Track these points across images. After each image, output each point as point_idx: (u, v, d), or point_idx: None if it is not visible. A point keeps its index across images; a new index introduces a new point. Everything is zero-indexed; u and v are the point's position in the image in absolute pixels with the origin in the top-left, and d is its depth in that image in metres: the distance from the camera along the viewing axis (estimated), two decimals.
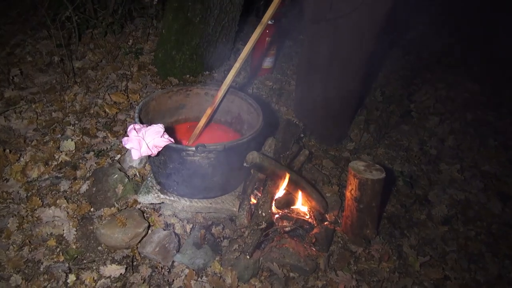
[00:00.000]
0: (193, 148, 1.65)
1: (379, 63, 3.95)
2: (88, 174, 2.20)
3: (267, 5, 4.10)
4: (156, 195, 1.94)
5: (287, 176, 1.86)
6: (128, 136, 1.65)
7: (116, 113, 2.68)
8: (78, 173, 2.21)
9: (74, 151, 2.35)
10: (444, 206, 2.36)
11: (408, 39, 4.58)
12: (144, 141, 1.63)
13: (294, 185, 1.97)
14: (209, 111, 1.93)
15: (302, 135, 2.57)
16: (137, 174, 2.20)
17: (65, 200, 2.02)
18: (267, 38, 3.21)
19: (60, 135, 2.44)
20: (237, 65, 1.85)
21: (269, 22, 3.22)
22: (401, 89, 3.59)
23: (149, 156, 1.73)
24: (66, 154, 2.32)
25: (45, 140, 2.39)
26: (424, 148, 2.85)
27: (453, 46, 4.65)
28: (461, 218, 2.33)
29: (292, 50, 3.85)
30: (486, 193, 2.52)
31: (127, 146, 1.63)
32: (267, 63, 3.35)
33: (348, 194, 2.00)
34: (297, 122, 2.35)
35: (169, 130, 1.94)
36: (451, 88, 3.75)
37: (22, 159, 2.24)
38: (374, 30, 2.16)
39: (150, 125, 1.71)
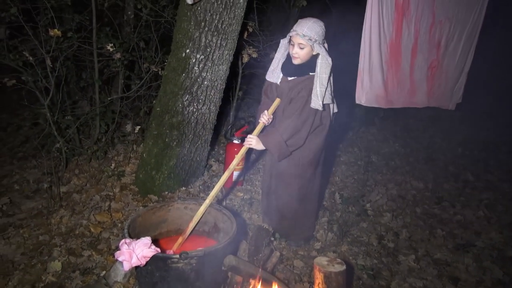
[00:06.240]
0: (178, 256, 1.91)
1: (335, 169, 4.51)
2: None
3: (234, 126, 4.71)
4: None
5: (260, 277, 2.11)
6: (120, 249, 1.90)
7: (101, 231, 2.90)
8: None
9: (60, 271, 2.49)
10: None
11: (359, 146, 5.30)
12: (135, 253, 1.88)
13: (269, 285, 2.20)
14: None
15: (272, 239, 2.87)
16: None
17: None
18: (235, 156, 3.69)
19: (47, 257, 2.60)
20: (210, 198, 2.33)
21: (236, 142, 3.77)
22: (357, 191, 4.06)
23: (137, 268, 1.96)
24: (52, 275, 2.46)
25: (32, 263, 2.54)
26: (382, 242, 3.18)
27: (397, 150, 5.37)
28: None
29: (259, 163, 4.35)
30: (440, 279, 2.80)
31: (119, 259, 1.87)
32: (235, 177, 3.78)
33: None
34: (266, 227, 2.67)
35: (155, 242, 2.20)
36: (400, 187, 4.28)
37: (10, 283, 2.36)
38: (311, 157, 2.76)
39: (138, 238, 1.98)
